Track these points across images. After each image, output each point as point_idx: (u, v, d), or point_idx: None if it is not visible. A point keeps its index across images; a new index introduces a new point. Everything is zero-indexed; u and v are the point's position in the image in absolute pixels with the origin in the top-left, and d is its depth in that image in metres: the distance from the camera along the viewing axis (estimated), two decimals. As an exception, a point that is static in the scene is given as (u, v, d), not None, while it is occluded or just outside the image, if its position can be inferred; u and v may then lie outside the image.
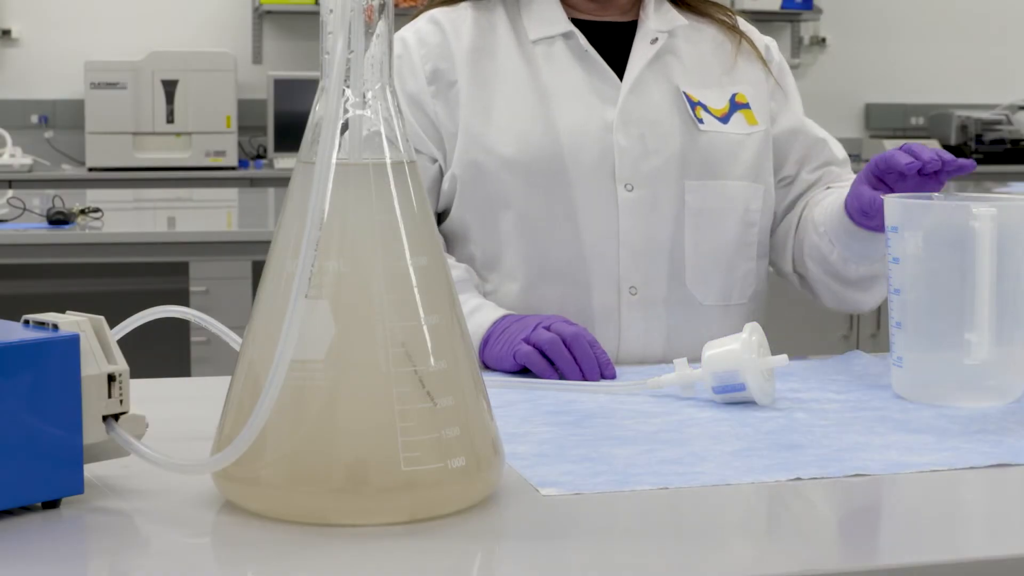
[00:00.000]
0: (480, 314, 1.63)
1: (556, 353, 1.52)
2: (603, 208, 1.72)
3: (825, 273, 1.74)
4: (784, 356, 1.45)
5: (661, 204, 1.73)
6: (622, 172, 1.72)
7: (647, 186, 1.73)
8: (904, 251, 1.46)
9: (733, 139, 1.76)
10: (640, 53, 1.76)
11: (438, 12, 1.79)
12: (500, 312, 1.64)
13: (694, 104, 1.76)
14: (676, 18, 1.80)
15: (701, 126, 1.75)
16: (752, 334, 1.45)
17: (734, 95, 1.79)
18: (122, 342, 1.16)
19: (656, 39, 1.77)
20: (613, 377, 1.54)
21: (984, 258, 1.40)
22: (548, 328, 1.54)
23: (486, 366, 1.60)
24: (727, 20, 1.84)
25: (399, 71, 1.75)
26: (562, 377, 1.53)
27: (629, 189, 1.72)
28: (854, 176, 1.78)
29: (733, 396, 1.44)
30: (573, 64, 1.76)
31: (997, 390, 1.45)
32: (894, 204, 1.47)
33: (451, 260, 1.73)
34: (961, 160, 1.55)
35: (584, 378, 1.52)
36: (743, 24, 1.85)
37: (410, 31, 1.78)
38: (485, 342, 1.60)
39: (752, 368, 1.42)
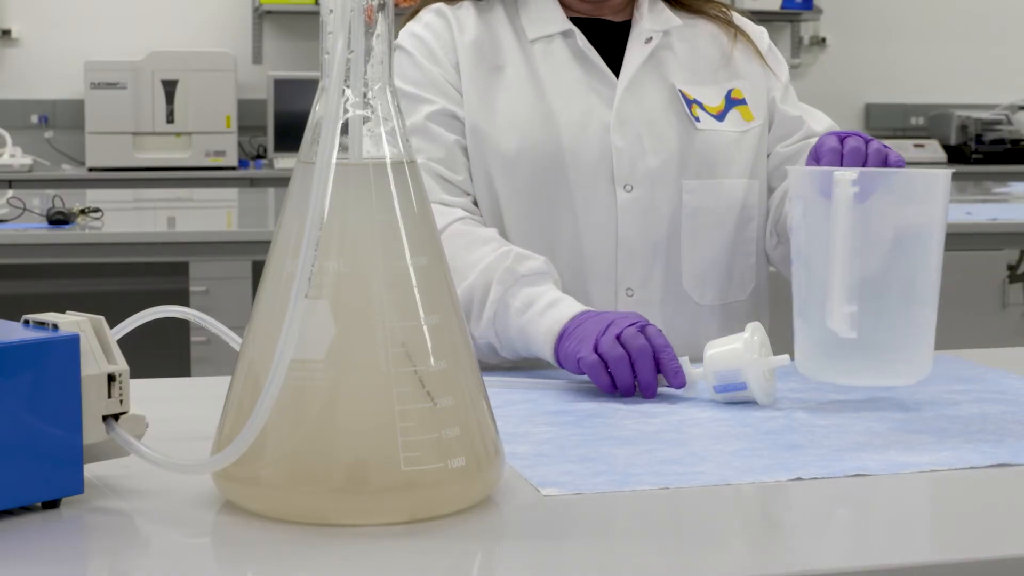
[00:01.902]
0: (557, 309, 1.57)
1: (619, 372, 1.46)
2: (602, 209, 1.72)
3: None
4: (785, 356, 1.45)
5: (659, 204, 1.73)
6: (620, 172, 1.72)
7: (645, 186, 1.72)
8: (794, 220, 1.45)
9: (729, 137, 1.76)
10: (635, 53, 1.76)
11: (442, 6, 1.79)
12: (578, 308, 1.56)
13: (690, 102, 1.76)
14: (671, 18, 1.80)
15: (698, 124, 1.75)
16: (754, 333, 1.45)
17: (730, 91, 1.79)
18: (122, 342, 1.16)
19: (651, 38, 1.77)
20: (681, 386, 1.46)
21: (839, 224, 1.38)
22: (619, 337, 1.47)
23: (560, 364, 1.54)
24: (722, 16, 1.84)
25: (427, 60, 1.74)
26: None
27: (628, 190, 1.72)
28: None
29: (734, 396, 1.44)
30: (572, 63, 1.76)
31: (884, 369, 1.43)
32: (790, 173, 1.47)
33: (528, 252, 1.65)
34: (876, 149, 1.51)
35: (634, 391, 1.47)
36: (738, 19, 1.85)
37: (419, 26, 1.78)
38: (560, 337, 1.54)
39: (754, 368, 1.42)
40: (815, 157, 1.53)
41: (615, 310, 1.72)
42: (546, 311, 1.57)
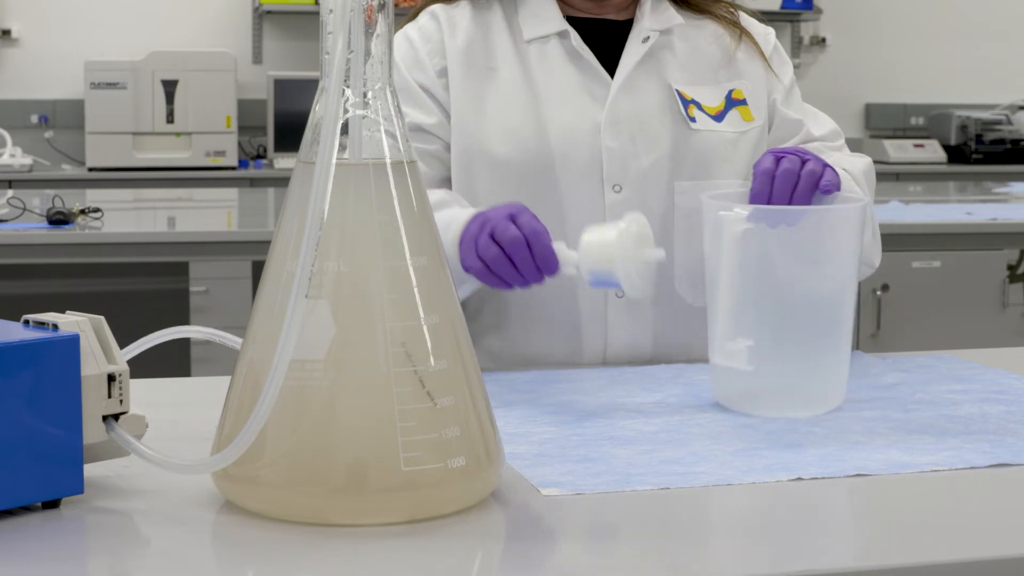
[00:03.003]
0: (455, 222, 1.59)
1: (501, 270, 1.50)
2: (591, 210, 1.71)
3: None
4: (661, 251, 1.43)
5: (650, 205, 1.71)
6: (610, 173, 1.71)
7: (635, 187, 1.71)
8: (705, 248, 1.45)
9: (726, 138, 1.75)
10: (632, 52, 1.75)
11: (437, 8, 1.79)
12: (471, 213, 1.59)
13: (687, 102, 1.74)
14: (673, 16, 1.78)
15: (693, 125, 1.73)
16: (631, 224, 1.43)
17: (731, 92, 1.77)
18: (122, 342, 1.16)
19: (648, 38, 1.76)
20: (552, 274, 1.49)
21: (725, 262, 1.36)
22: (492, 235, 1.50)
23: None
24: (728, 16, 1.83)
25: (408, 66, 1.75)
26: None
27: (617, 191, 1.71)
28: (838, 149, 1.78)
29: (608, 287, 1.44)
30: (566, 64, 1.75)
31: (793, 400, 1.40)
32: (702, 200, 1.46)
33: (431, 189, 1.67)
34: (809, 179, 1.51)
35: (527, 282, 1.50)
36: (745, 19, 1.84)
37: (413, 28, 1.78)
38: (460, 248, 1.56)
39: (625, 261, 1.41)
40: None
41: (605, 312, 1.71)
42: (448, 227, 1.59)
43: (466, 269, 1.54)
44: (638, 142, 1.72)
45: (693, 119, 1.74)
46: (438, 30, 1.76)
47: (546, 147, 1.70)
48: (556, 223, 1.71)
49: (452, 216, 1.60)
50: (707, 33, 1.80)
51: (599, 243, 1.42)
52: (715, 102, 1.76)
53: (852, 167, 1.72)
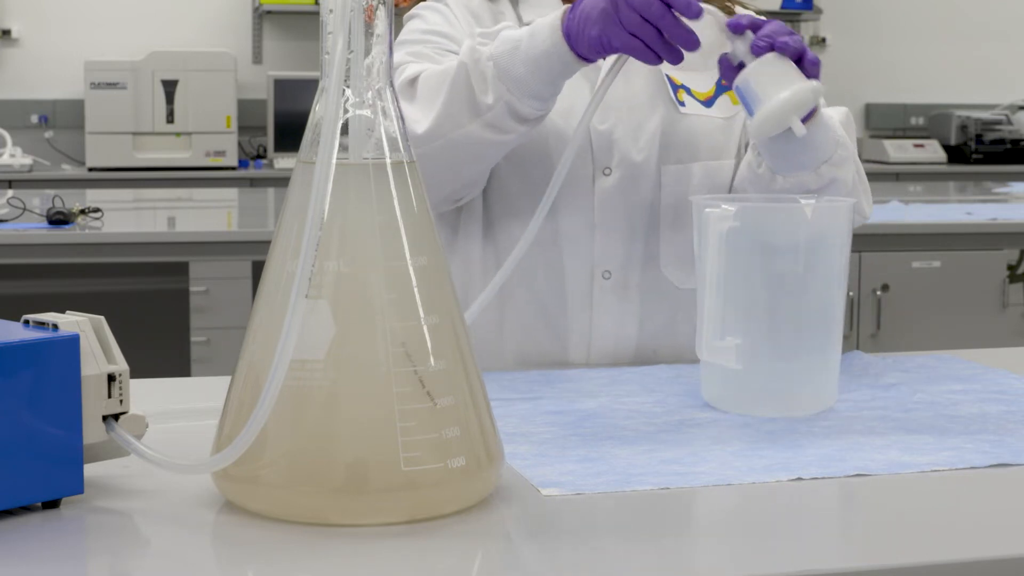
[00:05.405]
0: (547, 17, 1.54)
1: (654, 43, 1.47)
2: (579, 192, 1.71)
3: (756, 192, 1.69)
4: (804, 128, 1.41)
5: (638, 188, 1.72)
6: (600, 156, 1.72)
7: (625, 170, 1.72)
8: (696, 248, 1.44)
9: (715, 123, 1.75)
10: None
11: None
12: (559, 13, 1.54)
13: (676, 87, 1.74)
14: None
15: (682, 109, 1.74)
16: (812, 90, 1.41)
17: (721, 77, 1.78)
18: (122, 342, 1.16)
19: None
20: (697, 16, 1.46)
21: (710, 260, 1.36)
22: (641, 14, 1.46)
23: (572, 42, 1.51)
24: (725, 3, 1.83)
25: (440, 22, 1.74)
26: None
27: (606, 173, 1.72)
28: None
29: (739, 105, 1.43)
30: None
31: (783, 401, 1.39)
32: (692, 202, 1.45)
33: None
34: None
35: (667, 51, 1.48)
36: (739, 9, 1.84)
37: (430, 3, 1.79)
38: (566, 20, 1.51)
39: (781, 102, 1.38)
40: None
41: (591, 294, 1.71)
42: (536, 23, 1.55)
43: (611, 47, 1.48)
44: (627, 126, 1.72)
45: (682, 103, 1.74)
46: (449, 9, 1.77)
47: (540, 127, 1.70)
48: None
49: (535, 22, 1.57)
50: (703, 20, 1.81)
51: (780, 71, 1.40)
52: (705, 88, 1.76)
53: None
